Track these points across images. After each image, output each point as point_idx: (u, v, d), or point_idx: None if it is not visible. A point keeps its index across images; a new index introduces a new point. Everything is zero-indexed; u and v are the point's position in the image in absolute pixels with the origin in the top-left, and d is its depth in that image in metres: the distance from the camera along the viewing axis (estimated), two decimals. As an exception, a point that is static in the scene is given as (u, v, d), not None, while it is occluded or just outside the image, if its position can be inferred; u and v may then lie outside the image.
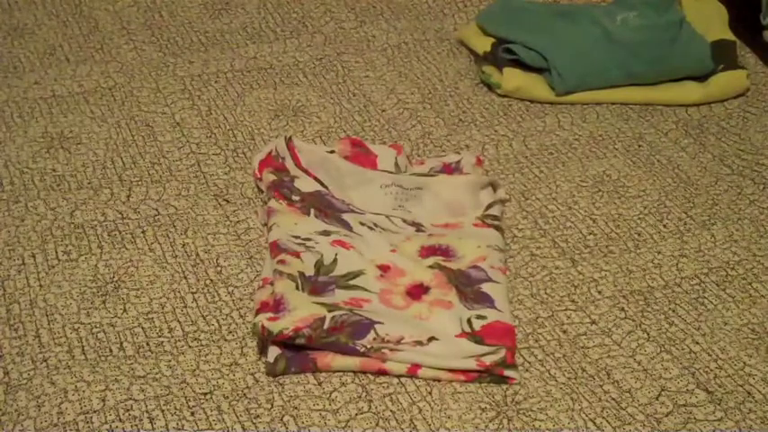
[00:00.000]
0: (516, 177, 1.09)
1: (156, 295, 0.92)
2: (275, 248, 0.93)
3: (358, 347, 0.84)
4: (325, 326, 0.85)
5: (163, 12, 1.37)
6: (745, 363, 0.87)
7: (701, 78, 1.23)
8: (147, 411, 0.81)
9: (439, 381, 0.84)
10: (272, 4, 1.39)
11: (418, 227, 0.99)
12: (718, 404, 0.83)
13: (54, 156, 1.09)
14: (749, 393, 0.85)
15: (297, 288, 0.88)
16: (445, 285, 0.91)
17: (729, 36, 1.28)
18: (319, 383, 0.84)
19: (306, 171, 1.01)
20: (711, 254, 0.99)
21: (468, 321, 0.87)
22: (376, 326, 0.86)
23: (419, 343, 0.85)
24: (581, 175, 1.10)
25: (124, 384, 0.83)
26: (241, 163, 1.09)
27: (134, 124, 1.15)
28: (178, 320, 0.89)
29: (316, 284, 0.90)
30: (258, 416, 0.81)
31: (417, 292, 0.91)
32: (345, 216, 0.98)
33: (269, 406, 0.82)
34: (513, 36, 1.23)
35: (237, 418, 0.81)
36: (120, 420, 0.80)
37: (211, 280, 0.94)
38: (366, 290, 0.90)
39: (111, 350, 0.86)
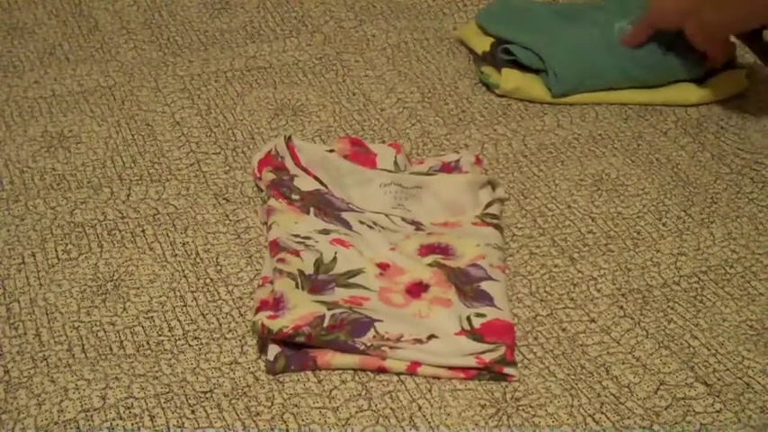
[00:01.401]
0: (515, 176, 1.09)
1: (156, 294, 0.92)
2: (275, 247, 0.93)
3: (358, 345, 0.84)
4: (325, 324, 0.85)
5: (162, 11, 1.37)
6: (743, 356, 0.88)
7: (700, 79, 1.23)
8: (147, 409, 0.81)
9: (438, 378, 0.85)
10: (271, 3, 1.39)
11: (418, 225, 0.99)
12: (717, 396, 0.84)
13: (54, 155, 1.09)
14: (748, 385, 0.85)
15: (296, 286, 0.89)
16: (444, 283, 0.91)
17: (728, 35, 1.28)
18: (319, 381, 0.84)
19: (305, 170, 1.01)
20: (710, 252, 1.00)
21: (468, 319, 0.88)
22: (375, 324, 0.86)
23: (419, 341, 0.85)
24: (580, 173, 1.10)
25: (124, 382, 0.83)
26: (241, 162, 1.09)
27: (134, 123, 1.15)
28: (178, 319, 0.90)
29: (315, 283, 0.90)
30: (258, 413, 0.81)
31: (417, 290, 0.91)
32: (345, 215, 0.98)
33: (269, 404, 0.82)
34: (511, 36, 1.23)
35: (238, 415, 0.81)
36: (121, 418, 0.80)
37: (211, 279, 0.94)
38: (366, 288, 0.90)
39: (111, 348, 0.86)
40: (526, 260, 0.98)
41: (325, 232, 0.95)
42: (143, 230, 0.99)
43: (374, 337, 0.85)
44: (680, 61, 1.21)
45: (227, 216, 1.02)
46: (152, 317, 0.90)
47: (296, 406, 0.82)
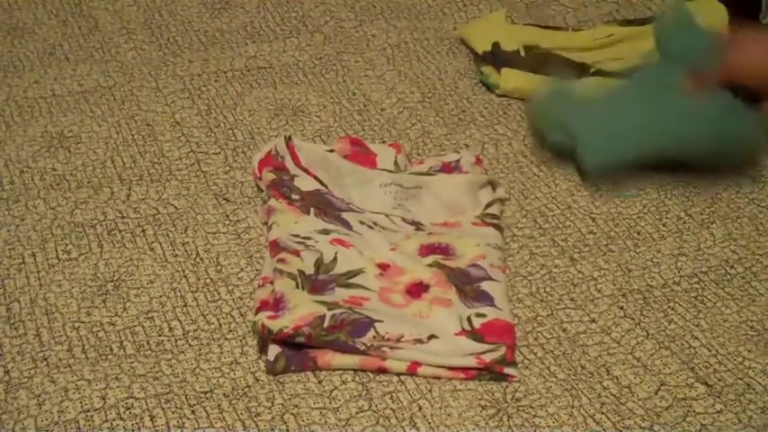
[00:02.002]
0: (515, 176, 1.09)
1: (157, 294, 0.92)
2: (275, 247, 0.93)
3: (358, 346, 0.84)
4: (325, 324, 0.85)
5: (162, 11, 1.37)
6: (744, 357, 0.88)
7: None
8: (147, 410, 0.81)
9: (439, 378, 0.85)
10: (271, 3, 1.39)
11: (418, 225, 0.99)
12: (718, 397, 0.84)
13: (54, 155, 1.09)
14: (749, 385, 0.85)
15: (297, 286, 0.89)
16: (445, 284, 0.91)
17: (729, 36, 1.27)
18: (319, 382, 0.84)
19: (305, 170, 1.01)
20: (710, 252, 0.99)
21: (468, 319, 0.88)
22: (376, 324, 0.86)
23: (419, 341, 0.85)
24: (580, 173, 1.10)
25: (125, 383, 0.83)
26: (241, 162, 1.09)
27: (134, 123, 1.15)
28: (178, 319, 0.90)
29: (316, 283, 0.90)
30: (259, 414, 0.81)
31: (417, 290, 0.91)
32: (345, 215, 0.98)
33: (269, 404, 0.82)
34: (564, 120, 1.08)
35: (238, 416, 0.81)
36: (122, 418, 0.80)
37: (211, 279, 0.94)
38: (366, 288, 0.90)
39: (111, 349, 0.86)
40: (526, 260, 0.98)
41: (326, 232, 0.95)
42: (143, 230, 0.99)
43: (374, 337, 0.85)
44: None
45: (227, 216, 1.02)
46: (152, 317, 0.90)
47: (296, 406, 0.82)
